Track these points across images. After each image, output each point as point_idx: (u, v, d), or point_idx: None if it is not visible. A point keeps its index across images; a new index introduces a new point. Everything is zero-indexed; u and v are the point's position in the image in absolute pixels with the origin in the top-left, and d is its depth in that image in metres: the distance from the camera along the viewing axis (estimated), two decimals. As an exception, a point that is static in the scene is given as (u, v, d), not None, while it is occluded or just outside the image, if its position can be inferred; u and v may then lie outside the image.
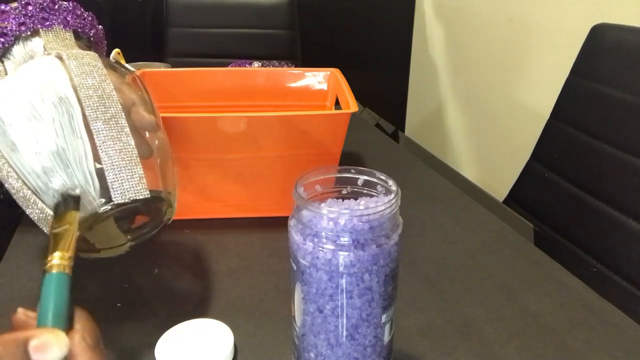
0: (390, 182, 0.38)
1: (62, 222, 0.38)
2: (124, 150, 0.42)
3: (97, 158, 0.41)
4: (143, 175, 0.43)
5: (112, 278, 0.56)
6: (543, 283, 0.56)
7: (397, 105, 2.33)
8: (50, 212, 0.41)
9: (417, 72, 2.23)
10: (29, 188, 0.41)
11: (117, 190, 0.41)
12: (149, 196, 0.43)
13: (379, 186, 0.39)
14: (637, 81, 0.81)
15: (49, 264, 0.35)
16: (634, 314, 0.52)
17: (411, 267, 0.59)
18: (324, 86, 0.81)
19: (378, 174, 0.39)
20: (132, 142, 0.43)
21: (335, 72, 0.79)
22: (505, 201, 1.04)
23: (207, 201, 0.67)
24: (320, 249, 0.35)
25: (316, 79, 0.81)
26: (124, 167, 0.42)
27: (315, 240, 0.35)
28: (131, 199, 0.42)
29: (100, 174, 0.41)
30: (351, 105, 0.65)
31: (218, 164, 0.63)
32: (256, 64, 0.97)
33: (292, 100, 0.81)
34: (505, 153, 1.69)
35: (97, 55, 0.47)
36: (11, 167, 0.42)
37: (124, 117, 0.44)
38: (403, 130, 2.41)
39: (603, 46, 0.88)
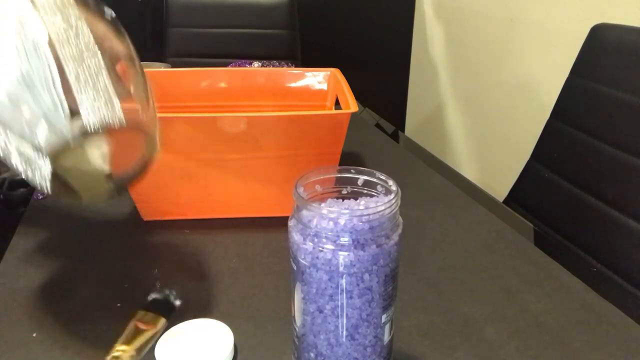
0: (390, 182, 0.38)
1: (150, 321, 0.40)
2: (97, 71, 0.38)
3: (66, 85, 0.37)
4: (117, 98, 0.38)
5: (112, 278, 0.56)
6: (543, 283, 0.56)
7: (397, 105, 2.33)
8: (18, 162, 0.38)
9: (417, 72, 2.23)
10: None
11: (89, 114, 0.37)
12: (124, 121, 0.38)
13: (379, 186, 0.39)
14: (637, 81, 0.81)
15: (110, 354, 0.38)
16: (634, 314, 0.52)
17: (411, 267, 0.59)
18: (324, 86, 0.81)
19: (378, 174, 0.39)
20: (104, 63, 0.39)
21: (335, 72, 0.79)
22: (505, 201, 1.04)
23: (207, 201, 0.67)
24: (320, 249, 0.35)
25: (316, 79, 0.81)
26: (93, 86, 0.37)
27: (315, 240, 0.35)
28: (103, 121, 0.37)
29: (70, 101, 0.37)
30: (351, 105, 0.65)
31: (218, 164, 0.63)
32: (256, 64, 0.97)
33: (292, 100, 0.81)
34: (505, 153, 1.69)
35: None
36: None
37: (92, 39, 0.39)
38: (403, 130, 2.41)
39: (603, 46, 0.88)
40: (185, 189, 0.65)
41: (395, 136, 1.01)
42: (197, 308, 0.52)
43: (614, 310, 0.52)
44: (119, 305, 0.52)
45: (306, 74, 0.81)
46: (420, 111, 2.25)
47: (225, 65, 1.07)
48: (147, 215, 0.67)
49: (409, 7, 2.14)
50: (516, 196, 1.02)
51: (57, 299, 0.53)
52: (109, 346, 0.46)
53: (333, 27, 2.08)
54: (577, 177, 0.89)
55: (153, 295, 0.43)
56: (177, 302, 0.44)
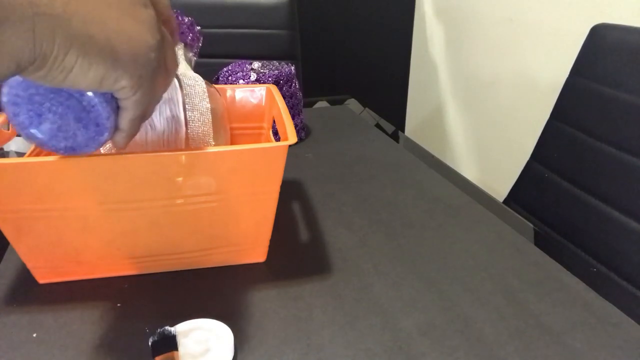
0: None
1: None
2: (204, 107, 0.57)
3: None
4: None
5: (112, 278, 0.56)
6: (543, 283, 0.56)
7: (397, 105, 2.34)
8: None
9: (417, 72, 2.23)
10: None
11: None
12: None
13: None
14: (637, 81, 0.81)
15: None
16: (634, 314, 0.52)
17: (411, 267, 0.59)
18: (261, 103, 0.72)
19: None
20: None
21: (271, 89, 0.68)
22: (505, 201, 1.04)
23: (112, 257, 0.55)
24: None
25: (252, 95, 0.71)
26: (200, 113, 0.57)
27: None
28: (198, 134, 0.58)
29: None
30: (289, 133, 0.52)
31: (126, 211, 0.51)
32: (256, 64, 0.97)
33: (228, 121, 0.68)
34: (505, 153, 1.69)
35: (203, 82, 0.57)
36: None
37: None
38: (403, 130, 2.41)
39: (603, 46, 0.88)
40: (84, 244, 0.52)
41: (395, 136, 1.01)
42: (197, 308, 0.52)
43: (614, 310, 0.52)
44: (119, 305, 0.52)
45: (240, 90, 0.71)
46: (420, 111, 2.25)
47: (225, 65, 1.07)
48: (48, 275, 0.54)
49: (409, 7, 2.14)
50: (516, 196, 1.02)
51: (57, 299, 0.53)
52: (108, 346, 0.46)
53: (333, 27, 2.08)
54: (577, 177, 0.89)
55: (151, 340, 0.44)
56: (173, 331, 0.45)
